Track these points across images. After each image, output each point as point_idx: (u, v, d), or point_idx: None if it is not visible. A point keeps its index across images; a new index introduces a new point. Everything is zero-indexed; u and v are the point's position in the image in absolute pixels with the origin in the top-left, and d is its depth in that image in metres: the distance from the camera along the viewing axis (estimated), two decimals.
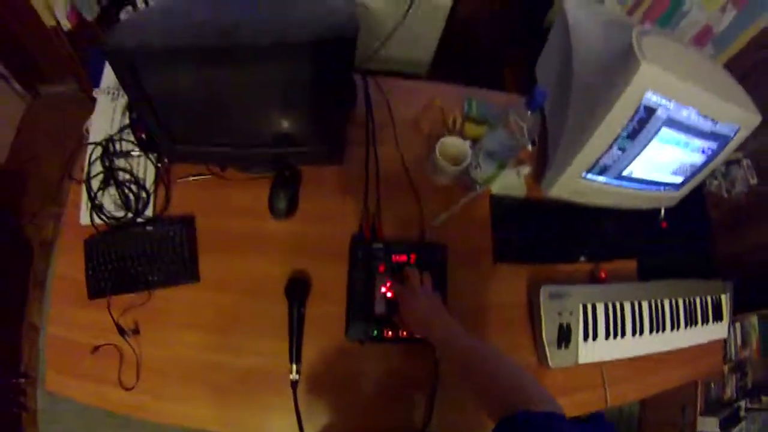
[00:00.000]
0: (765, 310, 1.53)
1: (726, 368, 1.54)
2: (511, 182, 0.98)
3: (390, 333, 0.83)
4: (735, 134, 0.82)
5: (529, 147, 1.01)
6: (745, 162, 1.63)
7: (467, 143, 0.90)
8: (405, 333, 0.83)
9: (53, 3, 1.32)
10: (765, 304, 1.51)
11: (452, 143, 0.91)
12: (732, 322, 1.07)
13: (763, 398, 1.58)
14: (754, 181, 1.62)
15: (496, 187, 0.97)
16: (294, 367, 0.78)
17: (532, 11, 1.44)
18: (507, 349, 0.88)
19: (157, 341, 0.81)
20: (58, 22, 1.37)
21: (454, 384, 0.83)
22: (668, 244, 1.08)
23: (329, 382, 0.82)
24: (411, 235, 0.92)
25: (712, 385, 1.56)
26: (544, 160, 0.98)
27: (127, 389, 0.78)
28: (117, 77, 0.67)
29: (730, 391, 1.57)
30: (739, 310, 1.09)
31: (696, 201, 1.15)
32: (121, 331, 0.80)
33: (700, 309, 1.01)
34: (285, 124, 0.80)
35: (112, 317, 0.80)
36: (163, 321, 0.82)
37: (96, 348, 0.80)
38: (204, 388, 0.80)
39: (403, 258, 0.86)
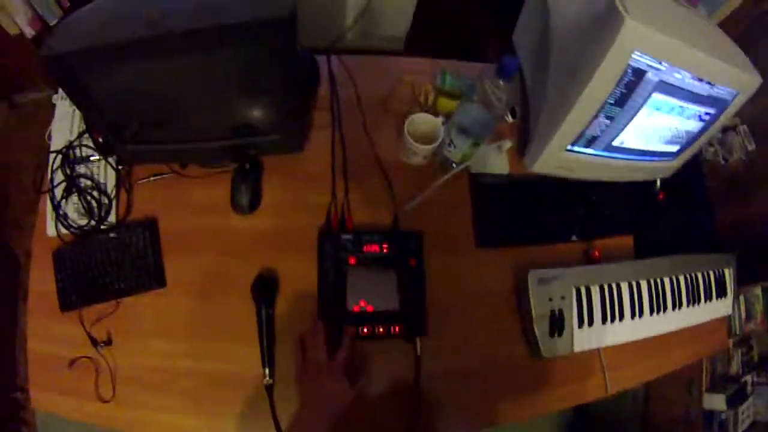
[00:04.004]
0: None
1: (731, 343, 1.49)
2: (492, 159, 0.91)
3: (366, 330, 0.78)
4: (733, 98, 0.77)
5: (509, 119, 0.94)
6: (742, 128, 1.57)
7: (439, 119, 0.84)
8: (382, 329, 0.78)
9: (13, 11, 1.28)
10: None
11: (423, 120, 0.84)
12: (736, 296, 1.01)
13: None
14: (751, 147, 1.56)
15: (476, 165, 0.90)
16: (267, 371, 0.75)
17: None
18: (495, 339, 0.84)
19: (129, 351, 0.79)
20: (21, 30, 1.32)
21: (438, 380, 0.79)
22: (666, 217, 1.02)
23: None
24: (383, 223, 0.86)
25: (718, 361, 1.51)
26: (526, 133, 0.92)
27: (104, 401, 0.76)
28: (58, 84, 0.66)
29: (736, 366, 1.52)
30: (742, 281, 1.04)
31: (693, 170, 1.10)
32: (94, 343, 0.78)
33: (703, 285, 0.95)
34: (235, 114, 0.75)
35: (85, 329, 0.78)
36: (133, 330, 0.80)
37: (72, 361, 0.78)
38: (179, 396, 0.77)
39: (375, 248, 0.81)
